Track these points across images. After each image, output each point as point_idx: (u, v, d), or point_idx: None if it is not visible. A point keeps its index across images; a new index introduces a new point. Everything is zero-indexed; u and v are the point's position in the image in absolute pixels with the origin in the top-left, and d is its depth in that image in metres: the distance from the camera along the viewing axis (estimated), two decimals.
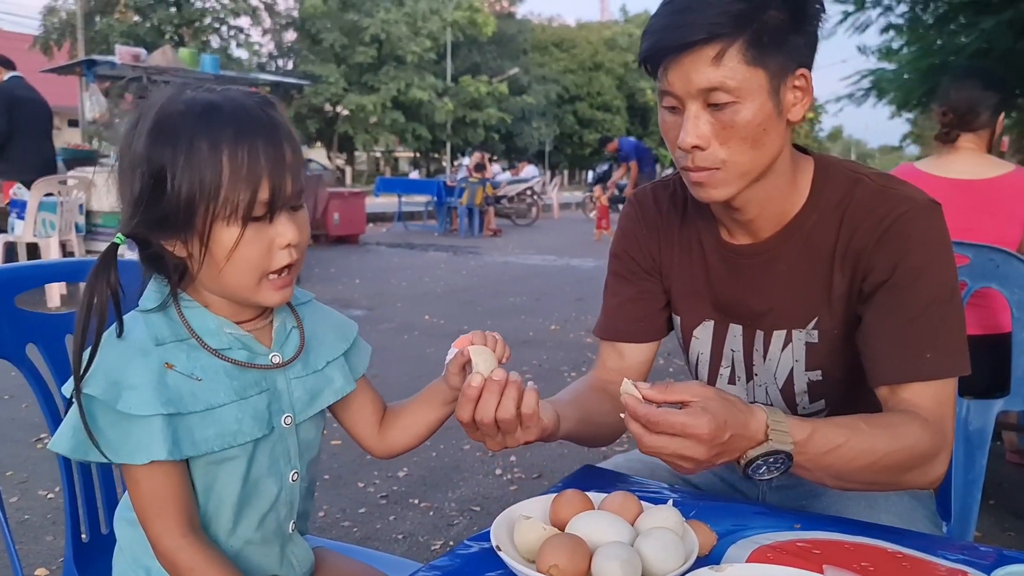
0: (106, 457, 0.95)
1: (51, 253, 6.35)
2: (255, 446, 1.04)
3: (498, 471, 3.39)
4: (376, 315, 6.77)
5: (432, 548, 2.70)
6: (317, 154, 33.69)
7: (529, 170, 21.69)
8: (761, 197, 1.24)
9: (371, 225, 15.27)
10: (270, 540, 1.10)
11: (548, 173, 35.18)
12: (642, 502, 1.03)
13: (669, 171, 1.34)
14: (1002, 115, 2.70)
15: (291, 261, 1.00)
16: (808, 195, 1.27)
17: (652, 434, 0.99)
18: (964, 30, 6.24)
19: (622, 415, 1.01)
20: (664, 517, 0.97)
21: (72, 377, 0.96)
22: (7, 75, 6.60)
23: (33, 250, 6.43)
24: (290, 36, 35.85)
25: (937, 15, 6.83)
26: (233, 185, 0.94)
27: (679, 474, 1.33)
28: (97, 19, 28.67)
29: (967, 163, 2.66)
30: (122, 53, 10.76)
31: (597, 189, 14.89)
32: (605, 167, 16.37)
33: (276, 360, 1.07)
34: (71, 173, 7.16)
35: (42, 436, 3.57)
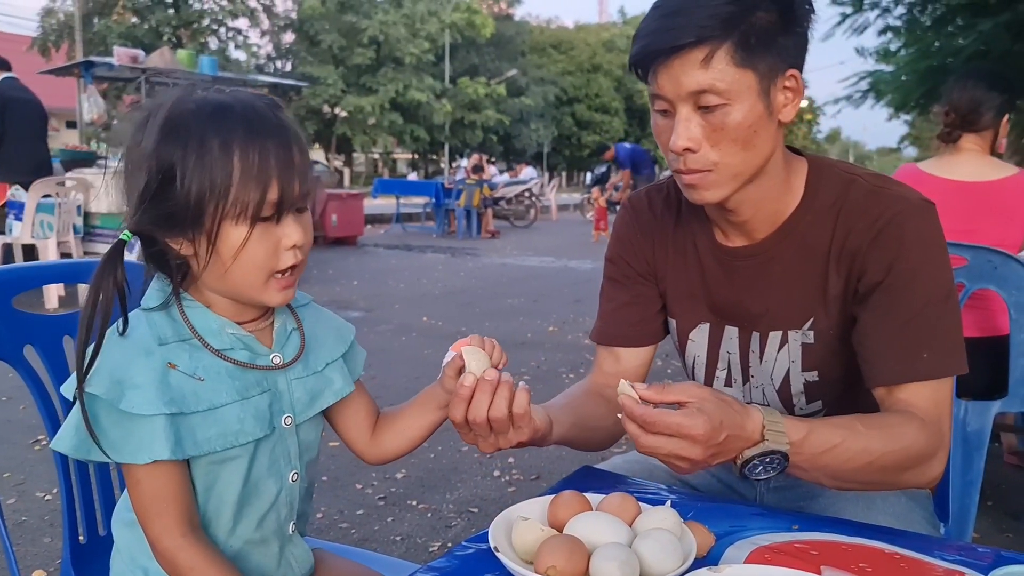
0: (108, 456, 0.95)
1: (49, 255, 6.35)
2: (256, 446, 1.04)
3: (496, 473, 3.39)
4: (374, 316, 6.77)
5: (430, 550, 2.70)
6: (315, 156, 33.66)
7: (527, 172, 21.71)
8: (755, 198, 1.24)
9: (369, 227, 15.26)
10: (269, 540, 1.10)
11: (546, 175, 35.23)
12: (640, 503, 1.03)
13: (668, 173, 1.34)
14: (1006, 117, 2.69)
15: (296, 262, 1.02)
16: (802, 196, 1.28)
17: (648, 434, 1.00)
18: (962, 32, 6.25)
19: (619, 415, 1.02)
20: (662, 518, 0.97)
21: (72, 377, 0.96)
22: (1, 76, 6.59)
23: (30, 252, 6.43)
24: (288, 38, 35.86)
25: (935, 17, 6.84)
26: (244, 185, 0.94)
27: (676, 474, 1.33)
28: (95, 20, 28.67)
29: (970, 165, 2.66)
30: (120, 55, 10.77)
31: (595, 191, 14.90)
32: (603, 169, 16.39)
33: (277, 361, 1.07)
34: (69, 175, 7.15)
35: (39, 438, 3.57)
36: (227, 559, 1.03)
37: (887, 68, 7.70)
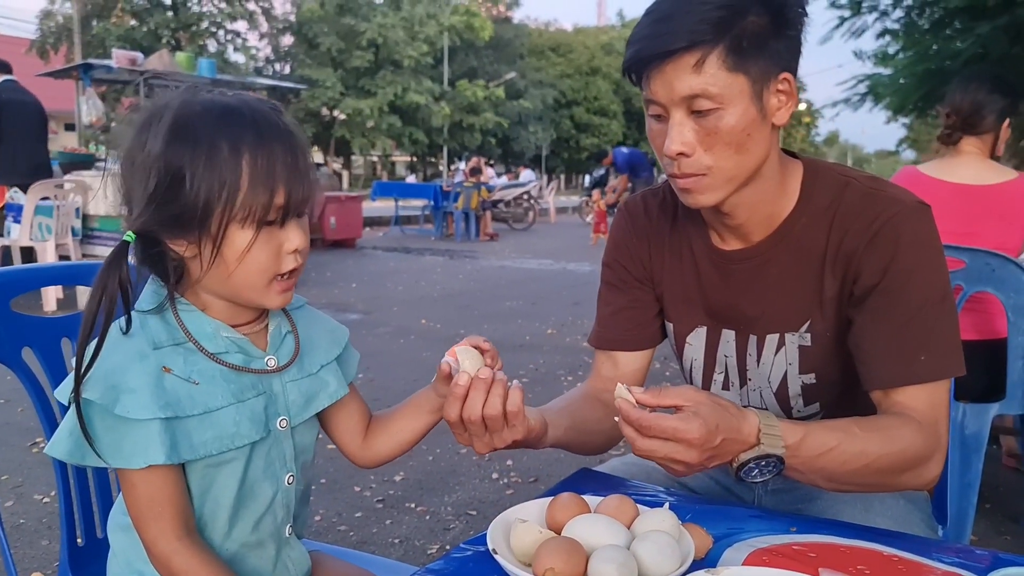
0: (104, 461, 0.95)
1: (47, 257, 6.34)
2: (252, 449, 1.04)
3: (494, 475, 3.39)
4: (372, 319, 6.76)
5: (428, 552, 2.70)
6: (314, 158, 33.59)
7: (526, 174, 21.73)
8: (750, 201, 1.25)
9: (368, 229, 15.25)
10: (266, 543, 1.10)
11: (544, 177, 35.23)
12: (638, 505, 1.03)
13: (665, 177, 1.35)
14: (1007, 121, 2.69)
15: (296, 266, 1.02)
16: (798, 199, 1.28)
17: (645, 438, 1.00)
18: (960, 35, 6.26)
19: (616, 419, 1.02)
20: (660, 520, 0.97)
21: (65, 383, 0.96)
22: (1, 79, 6.59)
23: (29, 254, 6.42)
24: (287, 40, 35.91)
25: (933, 20, 6.85)
26: (252, 189, 0.95)
27: (674, 477, 1.33)
28: (94, 23, 28.69)
29: (970, 168, 2.66)
30: (119, 57, 10.78)
31: (596, 193, 14.90)
32: (601, 172, 16.40)
33: (272, 364, 1.07)
34: (67, 177, 7.15)
35: (37, 440, 3.56)
36: (223, 562, 1.03)
37: (885, 71, 7.71)
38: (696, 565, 0.92)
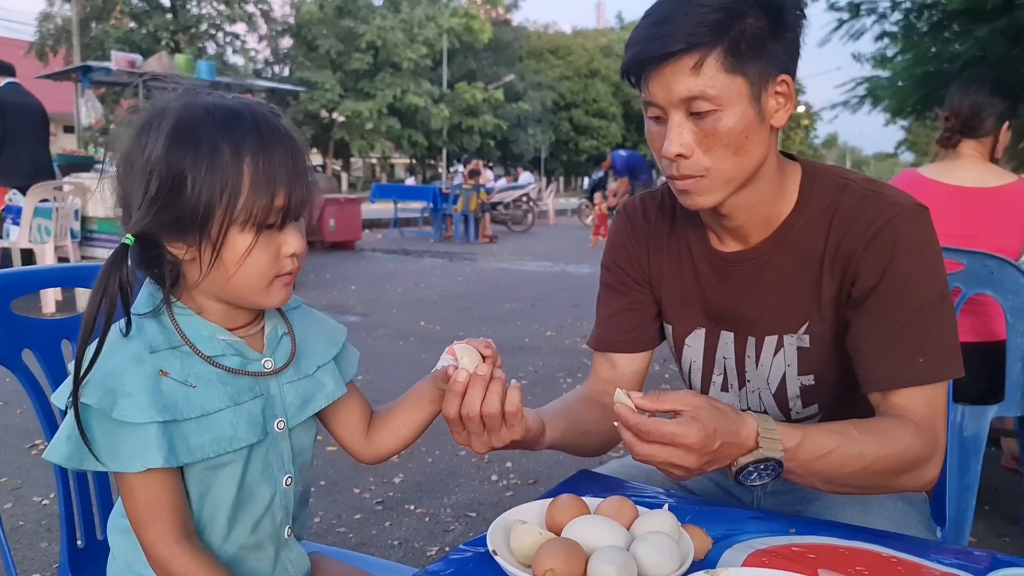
0: (102, 465, 0.95)
1: (46, 259, 6.35)
2: (250, 451, 1.04)
3: (494, 477, 3.39)
4: (371, 321, 6.76)
5: (428, 554, 2.70)
6: (313, 160, 33.57)
7: (525, 177, 21.73)
8: (748, 203, 1.25)
9: (367, 231, 15.25)
10: (265, 545, 1.10)
11: (544, 180, 35.24)
12: (638, 507, 1.03)
13: (663, 179, 1.35)
14: (1007, 124, 2.69)
15: (293, 269, 1.03)
16: (796, 200, 1.28)
17: (644, 443, 1.01)
18: (958, 38, 6.27)
19: (615, 423, 1.03)
20: (660, 522, 0.97)
21: (62, 387, 0.96)
22: (2, 81, 6.60)
23: (28, 256, 6.43)
24: (286, 43, 35.93)
25: (931, 23, 6.85)
26: (253, 192, 0.95)
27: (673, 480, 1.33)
28: (93, 25, 28.69)
29: (970, 171, 2.66)
30: (118, 59, 10.79)
31: (598, 196, 14.89)
32: (600, 174, 16.40)
33: (269, 366, 1.07)
34: (67, 179, 7.15)
35: (37, 442, 3.56)
36: (222, 565, 1.03)
37: (884, 74, 7.72)
38: (696, 566, 0.92)
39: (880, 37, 7.29)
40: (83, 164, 8.12)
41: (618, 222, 1.49)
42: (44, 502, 2.98)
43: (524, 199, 18.23)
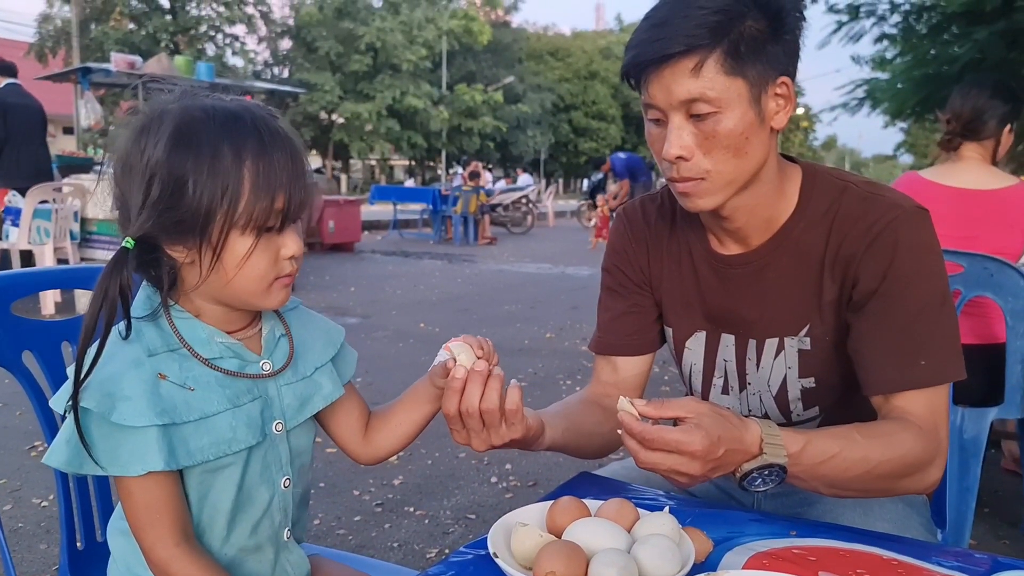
0: (101, 469, 0.95)
1: (45, 260, 6.34)
2: (249, 454, 1.04)
3: (493, 479, 3.39)
4: (371, 323, 6.76)
5: (427, 556, 2.70)
6: (312, 162, 33.55)
7: (524, 178, 21.73)
8: (749, 205, 1.25)
9: (366, 233, 15.25)
10: (264, 547, 1.10)
11: (543, 181, 35.25)
12: (638, 509, 1.03)
13: (663, 181, 1.35)
14: (1008, 127, 2.69)
15: (292, 270, 1.03)
16: (796, 203, 1.28)
17: (648, 450, 1.01)
18: (957, 40, 6.27)
19: (619, 431, 1.03)
20: (660, 524, 0.97)
21: (60, 392, 0.96)
22: (4, 82, 6.60)
23: (28, 257, 6.42)
24: (285, 44, 35.91)
25: (930, 25, 6.85)
26: (254, 195, 0.95)
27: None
28: (92, 27, 28.67)
29: (971, 173, 2.67)
30: (118, 61, 10.80)
31: (600, 198, 14.89)
32: (600, 176, 16.41)
33: (267, 368, 1.07)
34: (66, 180, 7.15)
35: (36, 444, 3.56)
36: (221, 568, 1.03)
37: (883, 76, 7.72)
38: (696, 569, 0.92)
39: (879, 39, 7.29)
40: (82, 165, 8.13)
41: (618, 225, 1.49)
42: (43, 504, 2.98)
43: (523, 201, 18.24)
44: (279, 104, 14.07)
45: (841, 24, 6.95)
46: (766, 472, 1.05)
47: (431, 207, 16.02)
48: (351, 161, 41.73)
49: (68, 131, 25.32)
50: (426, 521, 2.97)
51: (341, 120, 35.28)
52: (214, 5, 30.98)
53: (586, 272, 10.63)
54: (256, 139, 0.97)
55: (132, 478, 0.96)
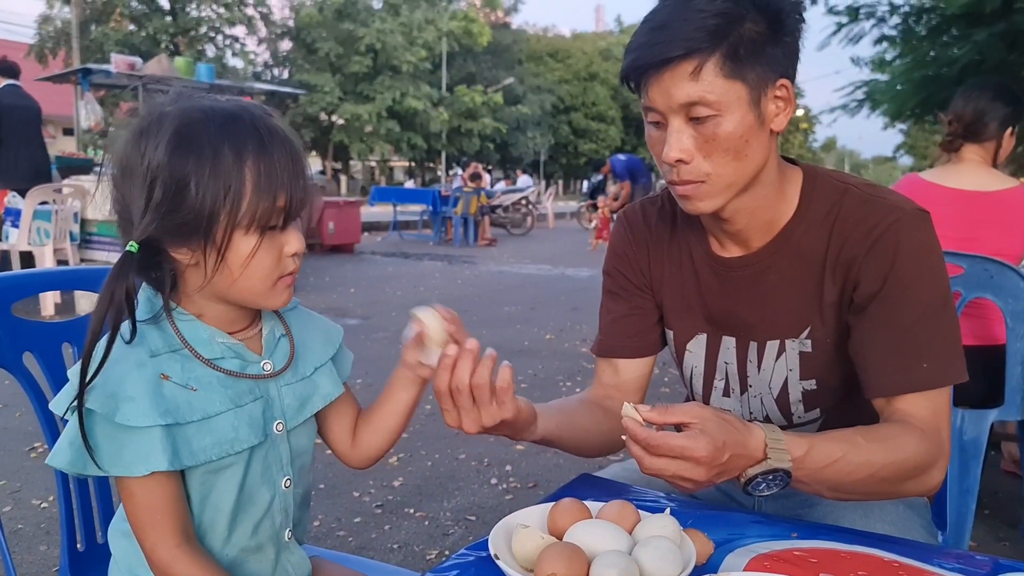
0: (104, 470, 0.95)
1: (45, 262, 6.34)
2: (250, 454, 1.05)
3: (493, 480, 3.39)
4: (370, 324, 6.76)
5: (428, 558, 2.69)
6: (312, 163, 33.55)
7: (524, 180, 21.74)
8: (749, 207, 1.25)
9: (366, 234, 15.25)
10: (265, 548, 1.10)
11: (543, 183, 35.24)
12: (640, 511, 1.03)
13: (663, 182, 1.35)
14: (1010, 129, 2.69)
15: (294, 268, 1.03)
16: (797, 205, 1.28)
17: (652, 456, 1.01)
18: (957, 42, 6.28)
19: (623, 437, 1.03)
20: (662, 526, 0.97)
21: (60, 395, 0.96)
22: (3, 83, 6.60)
23: (28, 258, 6.42)
24: (285, 45, 35.90)
25: (930, 27, 6.87)
26: (256, 194, 0.96)
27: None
28: (92, 28, 28.66)
29: (971, 175, 2.67)
30: (118, 62, 10.80)
31: (601, 200, 14.90)
32: (600, 178, 16.42)
33: (268, 368, 1.08)
34: (66, 181, 7.16)
35: (36, 445, 3.56)
36: (223, 569, 1.03)
37: (882, 77, 7.73)
38: (698, 571, 0.92)
39: (879, 41, 7.31)
40: (82, 166, 8.13)
41: (619, 228, 1.49)
42: (43, 505, 2.98)
43: (523, 202, 18.24)
44: (279, 105, 14.08)
45: (841, 26, 6.96)
46: (770, 477, 1.05)
47: (431, 208, 16.02)
48: (351, 162, 41.73)
49: (68, 132, 25.34)
50: (426, 523, 2.97)
51: (341, 121, 35.27)
52: (214, 6, 30.98)
53: (586, 273, 10.63)
54: (256, 138, 0.97)
55: (134, 479, 0.96)
